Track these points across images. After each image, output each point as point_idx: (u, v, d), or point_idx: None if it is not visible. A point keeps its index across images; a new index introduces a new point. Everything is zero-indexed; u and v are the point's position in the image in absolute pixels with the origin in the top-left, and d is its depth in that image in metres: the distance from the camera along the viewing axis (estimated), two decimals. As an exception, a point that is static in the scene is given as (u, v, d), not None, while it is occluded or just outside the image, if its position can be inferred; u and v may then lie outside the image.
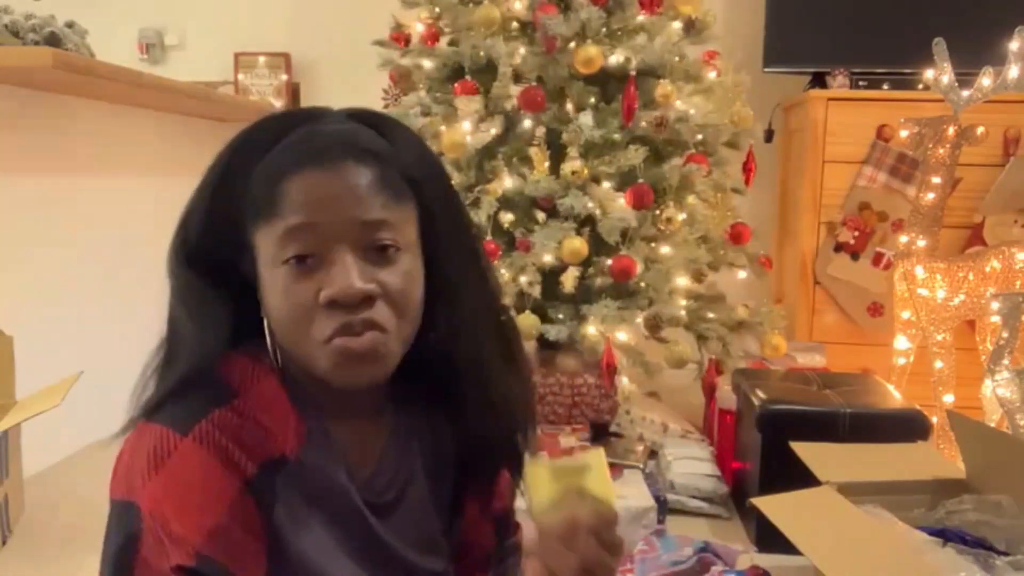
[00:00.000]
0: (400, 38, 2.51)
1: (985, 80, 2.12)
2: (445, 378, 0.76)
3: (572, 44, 2.18)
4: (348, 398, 0.72)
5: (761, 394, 1.92)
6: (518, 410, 0.79)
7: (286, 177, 0.66)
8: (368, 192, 0.67)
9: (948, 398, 2.26)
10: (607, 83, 2.31)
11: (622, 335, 2.09)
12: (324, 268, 0.66)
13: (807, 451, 1.55)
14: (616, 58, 2.24)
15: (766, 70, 2.84)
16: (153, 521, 0.63)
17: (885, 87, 2.74)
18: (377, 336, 0.67)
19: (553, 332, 2.12)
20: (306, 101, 3.40)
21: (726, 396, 2.25)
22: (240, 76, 3.39)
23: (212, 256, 0.70)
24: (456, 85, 2.27)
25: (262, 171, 0.67)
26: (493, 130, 2.22)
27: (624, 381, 2.23)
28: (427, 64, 2.41)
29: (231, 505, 0.65)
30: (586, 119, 2.20)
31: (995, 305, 1.90)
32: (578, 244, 2.07)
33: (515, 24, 2.37)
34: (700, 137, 2.31)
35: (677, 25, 2.33)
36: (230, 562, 0.65)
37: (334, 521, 0.71)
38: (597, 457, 0.75)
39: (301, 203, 0.65)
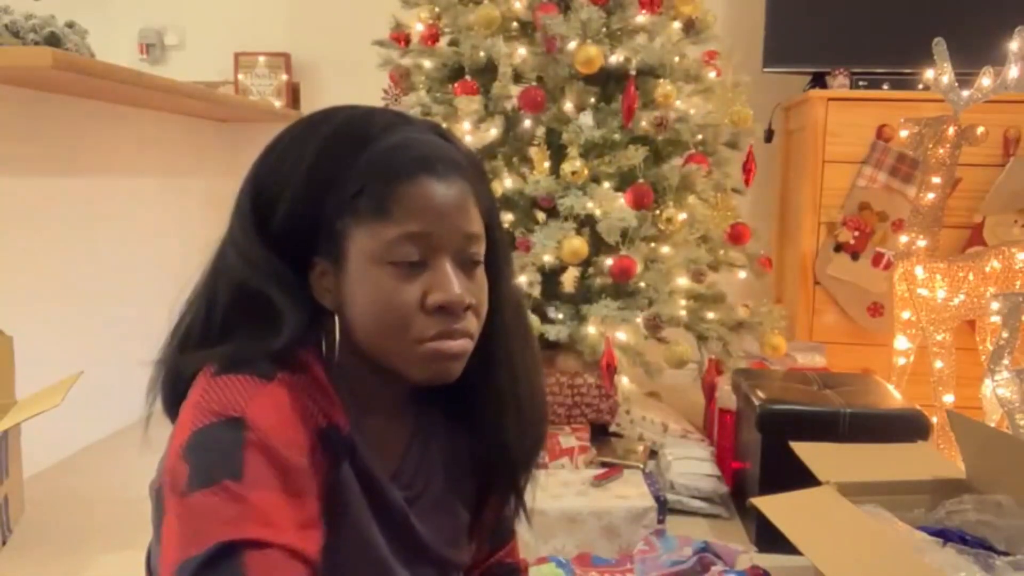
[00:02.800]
0: (400, 38, 2.52)
1: (985, 80, 2.11)
2: (470, 384, 0.79)
3: (572, 44, 2.18)
4: (379, 396, 0.77)
5: (761, 394, 1.92)
6: (540, 412, 0.84)
7: (401, 181, 0.70)
8: (470, 206, 0.73)
9: (948, 398, 2.26)
10: (607, 83, 2.31)
11: (622, 335, 2.09)
12: (427, 273, 0.71)
13: (807, 451, 1.56)
14: (616, 58, 2.24)
15: (766, 70, 2.85)
16: (261, 433, 0.64)
17: (885, 87, 2.74)
18: (467, 343, 0.73)
19: (553, 332, 2.12)
20: (306, 101, 3.41)
21: (726, 396, 2.25)
22: (240, 76, 3.39)
23: (286, 241, 0.72)
24: (456, 85, 2.27)
25: (368, 169, 0.70)
26: (493, 130, 2.22)
27: (624, 381, 2.23)
28: (427, 64, 2.41)
29: (311, 441, 0.69)
30: (586, 119, 2.20)
31: (995, 305, 1.90)
32: (578, 244, 2.07)
33: (515, 24, 2.37)
34: (700, 137, 2.32)
35: (677, 25, 2.34)
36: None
37: (374, 506, 0.75)
38: None
39: (419, 210, 0.70)
